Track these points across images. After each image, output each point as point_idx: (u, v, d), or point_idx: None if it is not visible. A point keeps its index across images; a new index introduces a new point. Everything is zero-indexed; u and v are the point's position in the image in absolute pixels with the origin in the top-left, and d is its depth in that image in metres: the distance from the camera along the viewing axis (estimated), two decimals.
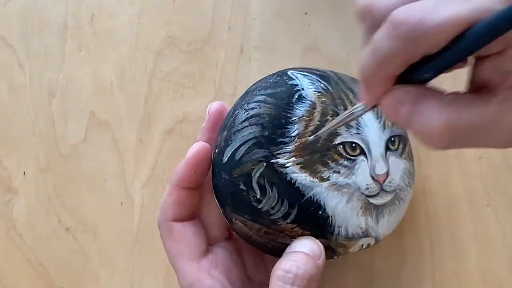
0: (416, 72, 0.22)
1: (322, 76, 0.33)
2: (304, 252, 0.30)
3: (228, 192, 0.31)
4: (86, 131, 0.41)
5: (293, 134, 0.31)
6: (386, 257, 0.37)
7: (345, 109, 0.32)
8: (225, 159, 0.31)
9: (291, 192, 0.31)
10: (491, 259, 0.37)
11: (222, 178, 0.31)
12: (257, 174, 0.30)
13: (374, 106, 0.25)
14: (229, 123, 0.32)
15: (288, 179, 0.31)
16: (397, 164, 0.32)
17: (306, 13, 0.40)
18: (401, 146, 0.33)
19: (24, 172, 0.41)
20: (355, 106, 0.26)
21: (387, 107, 0.23)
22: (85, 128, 0.41)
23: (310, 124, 0.31)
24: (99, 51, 0.42)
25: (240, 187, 0.31)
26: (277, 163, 0.31)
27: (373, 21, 0.22)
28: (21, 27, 0.42)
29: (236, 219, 0.32)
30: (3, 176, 0.41)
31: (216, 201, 0.33)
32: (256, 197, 0.30)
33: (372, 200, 0.32)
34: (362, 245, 0.33)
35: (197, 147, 0.32)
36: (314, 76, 0.33)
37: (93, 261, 0.40)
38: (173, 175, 0.33)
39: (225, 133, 0.32)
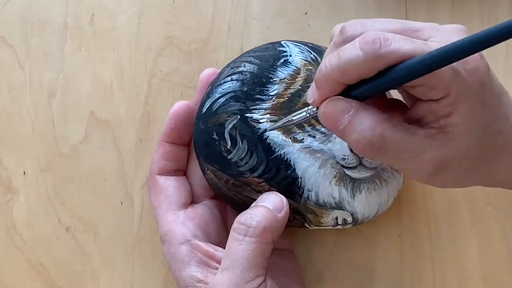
0: (355, 90, 0.26)
1: (315, 48, 0.34)
2: (263, 205, 0.31)
3: (202, 141, 0.33)
4: (86, 131, 0.41)
5: (272, 93, 0.32)
6: (386, 257, 0.37)
7: None
8: (204, 110, 0.33)
9: (262, 147, 0.32)
10: (491, 259, 0.37)
11: (199, 128, 0.33)
12: (230, 126, 0.32)
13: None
14: (214, 79, 0.34)
15: (259, 134, 0.32)
16: None
17: (306, 13, 0.40)
18: None
19: (24, 172, 0.41)
20: (308, 108, 0.29)
21: (327, 113, 0.27)
22: (85, 128, 0.41)
23: (291, 87, 0.32)
24: (99, 51, 0.42)
25: (213, 136, 0.32)
26: (251, 117, 0.32)
27: (344, 38, 0.26)
28: (21, 27, 0.42)
29: (208, 169, 0.33)
30: (3, 176, 0.41)
31: (195, 153, 0.34)
32: (226, 147, 0.32)
33: (348, 172, 0.32)
34: (337, 218, 0.33)
35: (178, 103, 0.35)
36: (306, 47, 0.34)
37: (93, 261, 0.40)
38: (162, 133, 0.35)
39: (209, 87, 0.34)
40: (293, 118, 0.30)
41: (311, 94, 0.28)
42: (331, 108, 0.27)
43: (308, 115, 0.29)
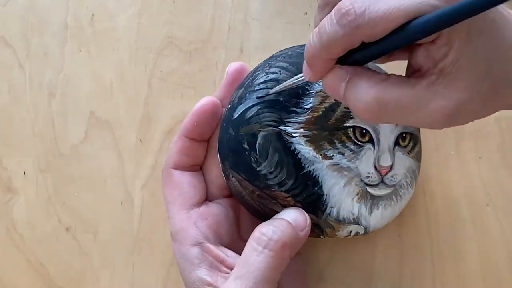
0: (355, 55, 0.25)
1: None
2: (286, 220, 0.30)
3: (231, 147, 0.32)
4: (86, 131, 0.41)
5: (307, 107, 0.31)
6: (386, 257, 0.37)
7: None
8: (235, 115, 0.31)
9: (292, 162, 0.31)
10: (491, 259, 0.37)
11: (228, 133, 0.32)
12: (263, 137, 0.31)
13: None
14: (247, 82, 0.32)
15: (292, 148, 0.31)
16: (402, 161, 0.32)
17: (306, 13, 0.40)
18: (411, 144, 0.33)
19: (24, 172, 0.41)
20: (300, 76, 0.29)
21: (328, 83, 0.26)
22: (85, 128, 0.41)
23: (326, 101, 0.31)
24: (99, 51, 0.42)
25: (244, 145, 0.31)
26: (285, 130, 0.31)
27: (322, 5, 0.26)
28: (21, 27, 0.42)
29: (232, 176, 0.32)
30: (3, 176, 0.41)
31: (218, 155, 0.33)
32: (256, 158, 0.31)
33: (370, 190, 0.32)
34: (351, 232, 0.33)
35: (204, 100, 0.34)
36: None
37: (93, 261, 0.40)
38: (181, 126, 0.34)
39: (241, 90, 0.32)
40: (290, 83, 0.30)
41: (305, 73, 0.27)
42: (329, 79, 0.26)
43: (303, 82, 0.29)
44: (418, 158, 0.34)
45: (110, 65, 0.41)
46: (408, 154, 0.33)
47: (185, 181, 0.34)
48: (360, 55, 0.25)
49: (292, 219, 0.30)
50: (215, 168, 0.34)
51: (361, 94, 0.25)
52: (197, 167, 0.35)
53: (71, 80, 0.42)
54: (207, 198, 0.34)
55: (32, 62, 0.42)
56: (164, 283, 0.39)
